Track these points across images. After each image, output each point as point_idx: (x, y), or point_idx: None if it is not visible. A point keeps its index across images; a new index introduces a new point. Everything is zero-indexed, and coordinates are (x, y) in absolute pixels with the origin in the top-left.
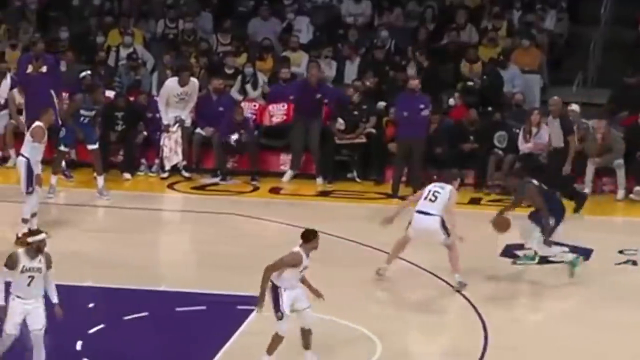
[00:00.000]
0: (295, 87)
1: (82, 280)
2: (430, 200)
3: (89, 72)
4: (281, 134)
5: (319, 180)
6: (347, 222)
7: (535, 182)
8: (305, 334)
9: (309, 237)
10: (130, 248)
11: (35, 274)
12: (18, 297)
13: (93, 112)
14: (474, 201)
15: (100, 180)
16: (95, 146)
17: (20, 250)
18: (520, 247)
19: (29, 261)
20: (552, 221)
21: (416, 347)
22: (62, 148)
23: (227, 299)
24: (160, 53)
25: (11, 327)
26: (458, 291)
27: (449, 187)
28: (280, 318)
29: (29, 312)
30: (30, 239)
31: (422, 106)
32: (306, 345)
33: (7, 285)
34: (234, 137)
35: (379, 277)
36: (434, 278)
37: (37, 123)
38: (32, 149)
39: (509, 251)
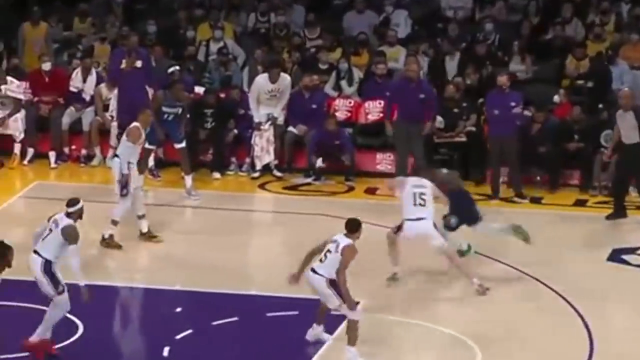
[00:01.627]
0: (394, 88)
1: (170, 283)
2: (420, 205)
3: (177, 67)
4: (377, 133)
5: None
6: None
7: (444, 172)
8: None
9: (353, 227)
10: (220, 250)
11: None
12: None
13: (177, 110)
14: (580, 203)
15: (189, 180)
16: (182, 145)
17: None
18: (630, 250)
19: None
20: (454, 220)
21: (518, 353)
22: (147, 146)
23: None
24: (252, 48)
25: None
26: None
27: (427, 183)
28: (355, 307)
29: None
30: (71, 209)
31: (513, 104)
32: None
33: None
34: (319, 163)
35: (393, 281)
36: (533, 281)
37: (134, 123)
38: (126, 149)
39: (617, 256)
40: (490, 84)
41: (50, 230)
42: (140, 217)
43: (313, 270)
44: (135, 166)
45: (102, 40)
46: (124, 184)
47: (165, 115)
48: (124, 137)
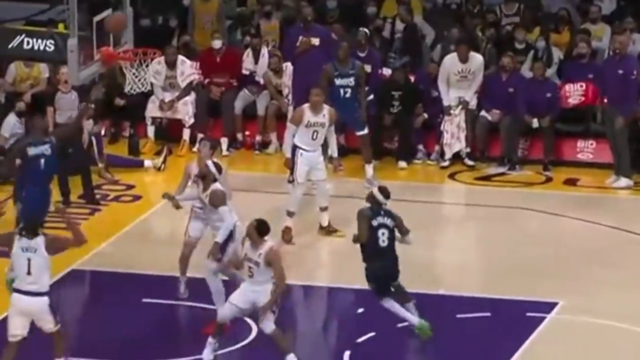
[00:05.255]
0: (603, 66)
1: (352, 282)
2: None
3: (366, 30)
4: (578, 118)
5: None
6: None
7: None
8: None
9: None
10: (406, 246)
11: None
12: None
13: (350, 79)
14: None
15: (369, 168)
16: (364, 132)
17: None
18: None
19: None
20: None
21: None
22: None
23: (515, 305)
24: (442, 25)
25: None
26: None
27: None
28: None
29: None
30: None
31: None
32: None
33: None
34: (535, 123)
35: None
36: None
37: (301, 107)
38: (288, 131)
39: None
40: None
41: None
42: (322, 209)
43: None
44: (314, 152)
45: (266, 16)
46: (290, 170)
47: (342, 91)
48: None
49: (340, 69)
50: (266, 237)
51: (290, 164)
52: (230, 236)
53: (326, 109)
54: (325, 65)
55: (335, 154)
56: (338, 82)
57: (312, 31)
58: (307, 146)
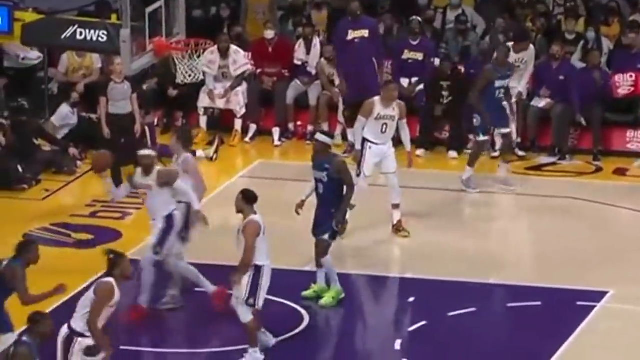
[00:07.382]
0: None
1: (402, 271)
2: None
3: (419, 18)
4: (628, 108)
5: None
6: None
7: None
8: None
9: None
10: (456, 236)
11: None
12: None
13: (508, 81)
14: None
15: (504, 168)
16: (508, 130)
17: None
18: None
19: None
20: None
21: None
22: (481, 138)
23: (565, 294)
24: (493, 16)
25: None
26: None
27: None
28: None
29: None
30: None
31: None
32: None
33: None
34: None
35: None
36: None
37: (375, 98)
38: (358, 124)
39: None
40: None
41: None
42: (394, 206)
43: None
44: (384, 145)
45: (317, 7)
46: (357, 163)
47: (497, 92)
48: None
49: (500, 71)
50: (254, 205)
51: (359, 157)
52: (169, 227)
53: (396, 102)
54: (486, 67)
55: (409, 149)
56: (498, 83)
57: (361, 23)
58: (376, 139)
